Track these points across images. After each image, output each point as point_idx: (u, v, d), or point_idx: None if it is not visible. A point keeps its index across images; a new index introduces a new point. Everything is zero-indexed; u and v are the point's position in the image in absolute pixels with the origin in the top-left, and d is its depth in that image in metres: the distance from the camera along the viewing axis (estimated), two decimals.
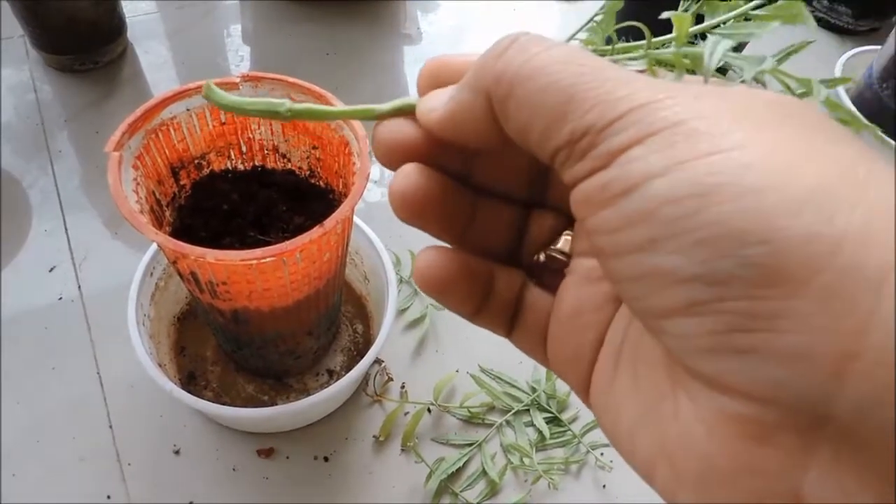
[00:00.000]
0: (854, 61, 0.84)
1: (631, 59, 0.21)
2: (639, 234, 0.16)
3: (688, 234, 0.15)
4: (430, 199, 0.22)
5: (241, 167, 0.52)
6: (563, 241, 0.23)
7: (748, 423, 0.15)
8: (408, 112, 0.22)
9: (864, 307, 0.13)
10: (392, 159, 0.22)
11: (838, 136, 0.16)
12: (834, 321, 0.13)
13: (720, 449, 0.15)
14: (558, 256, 0.23)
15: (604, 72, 0.17)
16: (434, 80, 0.22)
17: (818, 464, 0.14)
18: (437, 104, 0.21)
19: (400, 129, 0.22)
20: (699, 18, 0.21)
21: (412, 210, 0.22)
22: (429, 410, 0.60)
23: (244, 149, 0.51)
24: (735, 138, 0.15)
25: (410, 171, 0.22)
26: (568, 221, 0.24)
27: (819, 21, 1.04)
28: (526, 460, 0.57)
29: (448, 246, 0.23)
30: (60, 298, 0.63)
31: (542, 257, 0.23)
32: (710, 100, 0.16)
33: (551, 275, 0.23)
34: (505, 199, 0.24)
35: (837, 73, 0.81)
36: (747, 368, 0.15)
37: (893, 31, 0.79)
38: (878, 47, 0.82)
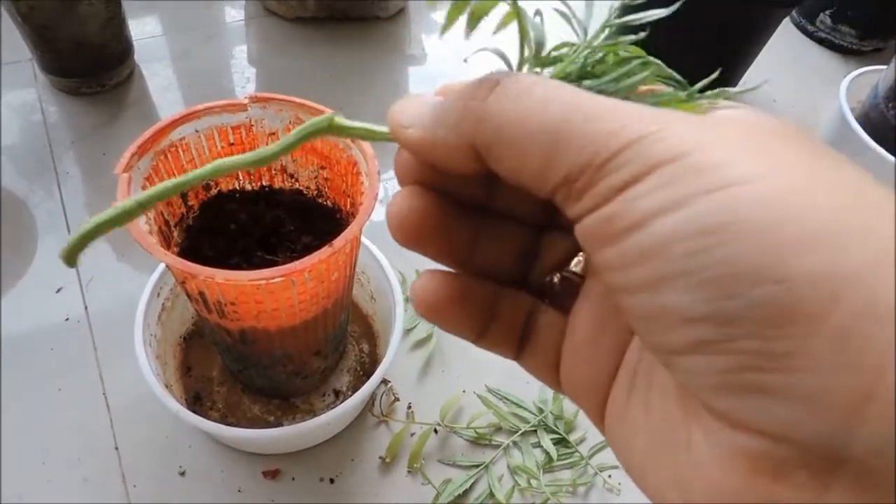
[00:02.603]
0: (859, 81, 0.85)
1: None
2: (645, 273, 0.15)
3: (695, 274, 0.14)
4: (428, 223, 0.21)
5: (248, 187, 0.53)
6: (577, 263, 0.23)
7: (761, 459, 0.15)
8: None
9: (880, 346, 0.13)
10: (409, 181, 0.22)
11: (837, 160, 0.16)
12: (849, 361, 0.13)
13: (733, 483, 0.15)
14: (573, 277, 0.23)
15: (593, 107, 0.17)
16: None
17: (834, 501, 0.14)
18: (416, 118, 0.20)
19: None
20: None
21: (410, 234, 0.21)
22: (435, 431, 0.59)
23: (252, 169, 0.51)
24: (740, 170, 0.15)
25: (409, 194, 0.21)
26: None
27: (822, 41, 1.04)
28: (533, 482, 0.56)
29: (448, 270, 0.23)
30: (67, 319, 0.63)
31: (556, 278, 0.23)
32: (706, 128, 0.16)
33: (565, 296, 0.23)
34: (515, 221, 0.23)
35: (842, 93, 0.81)
36: (759, 407, 0.14)
37: None
38: (883, 67, 0.83)
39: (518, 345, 0.23)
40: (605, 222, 0.16)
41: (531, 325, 0.23)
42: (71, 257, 0.20)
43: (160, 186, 0.20)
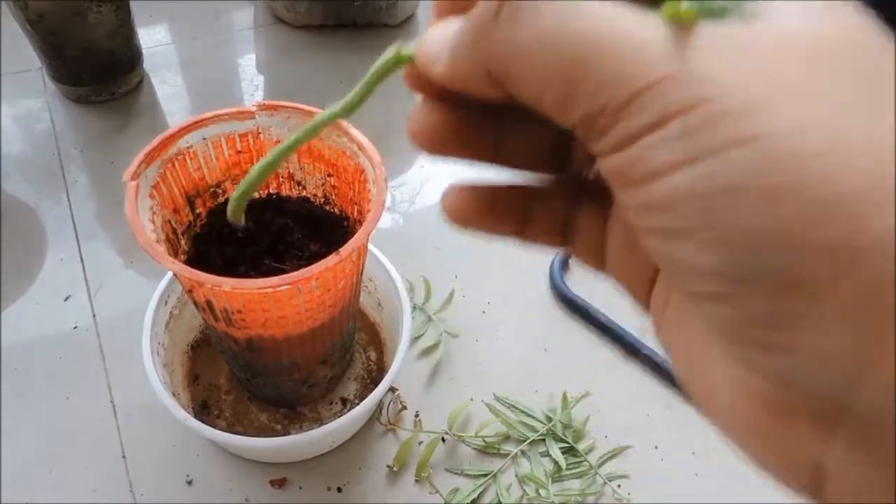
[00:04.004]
0: None
1: None
2: (661, 222, 0.15)
3: (708, 231, 0.14)
4: (452, 133, 0.21)
5: (256, 195, 0.53)
6: None
7: (771, 401, 0.16)
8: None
9: (885, 319, 0.13)
10: (426, 89, 0.21)
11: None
12: (854, 329, 0.13)
13: (748, 415, 0.16)
14: None
15: (609, 40, 0.15)
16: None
17: (839, 446, 0.15)
18: (438, 53, 0.19)
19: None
20: None
21: (435, 145, 0.21)
22: (443, 440, 0.59)
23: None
24: (776, 119, 0.13)
25: (431, 108, 0.21)
26: None
27: None
28: (542, 492, 0.56)
29: (474, 183, 0.22)
30: (75, 327, 0.63)
31: (591, 174, 0.23)
32: (750, 56, 0.14)
33: (604, 190, 0.22)
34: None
35: None
36: (766, 359, 0.15)
37: None
38: None
39: (562, 235, 0.23)
40: (628, 165, 0.15)
41: (576, 216, 0.23)
42: (237, 213, 0.28)
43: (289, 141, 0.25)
